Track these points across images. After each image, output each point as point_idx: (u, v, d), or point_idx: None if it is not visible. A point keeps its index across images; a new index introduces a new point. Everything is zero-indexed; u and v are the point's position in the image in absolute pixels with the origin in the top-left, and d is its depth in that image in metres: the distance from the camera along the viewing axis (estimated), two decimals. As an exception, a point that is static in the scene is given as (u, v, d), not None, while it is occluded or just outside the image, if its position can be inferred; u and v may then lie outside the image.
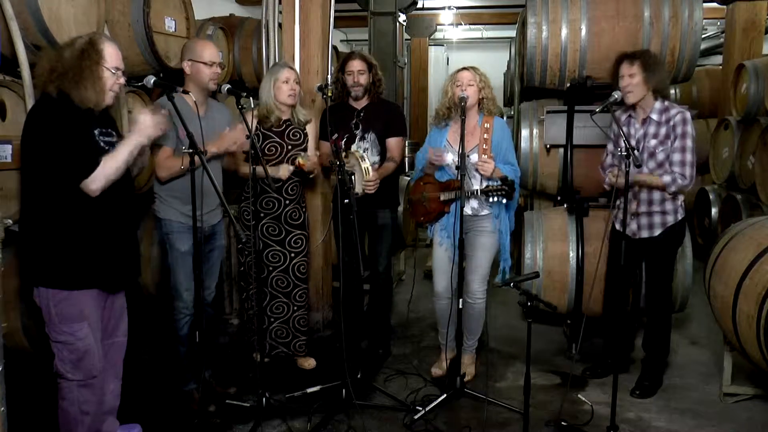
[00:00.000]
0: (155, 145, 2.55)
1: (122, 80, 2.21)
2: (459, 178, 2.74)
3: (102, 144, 2.16)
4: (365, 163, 2.98)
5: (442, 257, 3.08)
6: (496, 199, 2.76)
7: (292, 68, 3.09)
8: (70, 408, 2.20)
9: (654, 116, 2.88)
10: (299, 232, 3.15)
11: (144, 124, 2.19)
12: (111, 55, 2.15)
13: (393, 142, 3.30)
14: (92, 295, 2.18)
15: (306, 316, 3.24)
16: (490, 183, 2.82)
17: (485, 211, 3.00)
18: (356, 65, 3.24)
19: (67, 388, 2.19)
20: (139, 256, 2.44)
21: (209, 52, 2.70)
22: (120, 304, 2.38)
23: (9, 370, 2.26)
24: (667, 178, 2.82)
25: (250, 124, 2.69)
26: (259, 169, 2.80)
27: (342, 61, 3.34)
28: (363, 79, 3.24)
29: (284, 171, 2.97)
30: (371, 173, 2.98)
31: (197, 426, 2.68)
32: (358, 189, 2.96)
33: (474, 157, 2.92)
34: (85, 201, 2.10)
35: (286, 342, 3.22)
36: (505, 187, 2.71)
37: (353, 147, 3.19)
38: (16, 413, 2.37)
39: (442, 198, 2.97)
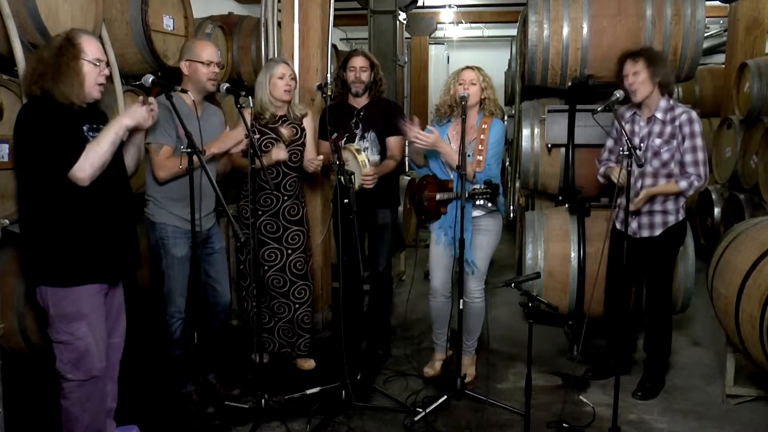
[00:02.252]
0: (148, 142, 2.53)
1: (107, 71, 2.19)
2: (459, 177, 2.73)
3: (91, 139, 2.14)
4: (361, 156, 2.95)
5: (439, 256, 3.07)
6: (481, 202, 2.76)
7: (288, 64, 3.06)
8: (72, 408, 2.19)
9: (659, 115, 2.86)
10: (297, 228, 3.13)
11: (132, 108, 2.16)
12: (90, 47, 2.13)
13: (393, 141, 3.28)
14: (91, 292, 2.16)
15: (309, 313, 3.22)
16: (477, 186, 2.81)
17: (476, 213, 2.97)
18: (359, 62, 3.23)
19: (68, 388, 2.19)
20: (138, 247, 2.40)
21: (207, 51, 2.68)
22: (118, 304, 2.36)
23: (6, 373, 2.25)
24: (683, 184, 2.80)
25: (248, 123, 2.67)
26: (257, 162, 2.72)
27: (344, 57, 3.33)
28: (365, 76, 3.23)
29: (280, 153, 2.90)
30: (368, 167, 2.96)
31: (196, 428, 2.66)
32: (356, 184, 2.93)
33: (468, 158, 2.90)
34: (77, 195, 2.08)
35: (291, 342, 3.21)
36: (489, 189, 2.72)
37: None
38: (15, 415, 2.36)
39: (438, 198, 2.96)
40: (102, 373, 2.22)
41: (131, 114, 2.17)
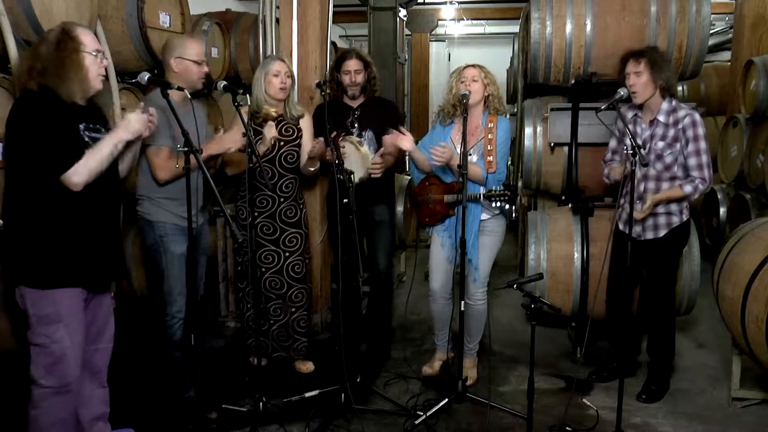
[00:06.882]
0: (146, 145, 2.49)
1: (105, 62, 2.17)
2: (461, 178, 2.68)
3: (86, 139, 2.10)
4: (363, 147, 2.92)
5: (440, 257, 3.03)
6: (499, 204, 2.73)
7: (284, 61, 3.02)
8: (41, 418, 2.10)
9: (661, 118, 2.81)
10: (294, 230, 3.08)
11: (129, 121, 2.14)
12: (87, 39, 2.11)
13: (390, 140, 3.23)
14: (70, 296, 2.11)
15: (306, 316, 3.18)
16: (494, 188, 2.77)
17: (486, 215, 2.94)
18: (353, 65, 3.18)
19: (39, 396, 2.10)
20: (123, 256, 2.37)
21: (198, 49, 2.67)
22: (105, 309, 2.30)
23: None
24: (688, 188, 2.76)
25: (246, 122, 2.64)
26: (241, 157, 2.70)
27: (337, 59, 3.28)
28: (360, 78, 3.19)
29: (271, 132, 2.85)
30: (372, 156, 2.92)
31: (193, 430, 2.63)
32: (362, 174, 2.89)
33: (473, 158, 2.86)
34: (65, 197, 2.04)
35: (285, 345, 3.17)
36: (507, 192, 2.68)
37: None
38: (8, 417, 2.33)
39: (445, 200, 2.92)
40: (75, 381, 2.14)
41: (129, 127, 2.14)
